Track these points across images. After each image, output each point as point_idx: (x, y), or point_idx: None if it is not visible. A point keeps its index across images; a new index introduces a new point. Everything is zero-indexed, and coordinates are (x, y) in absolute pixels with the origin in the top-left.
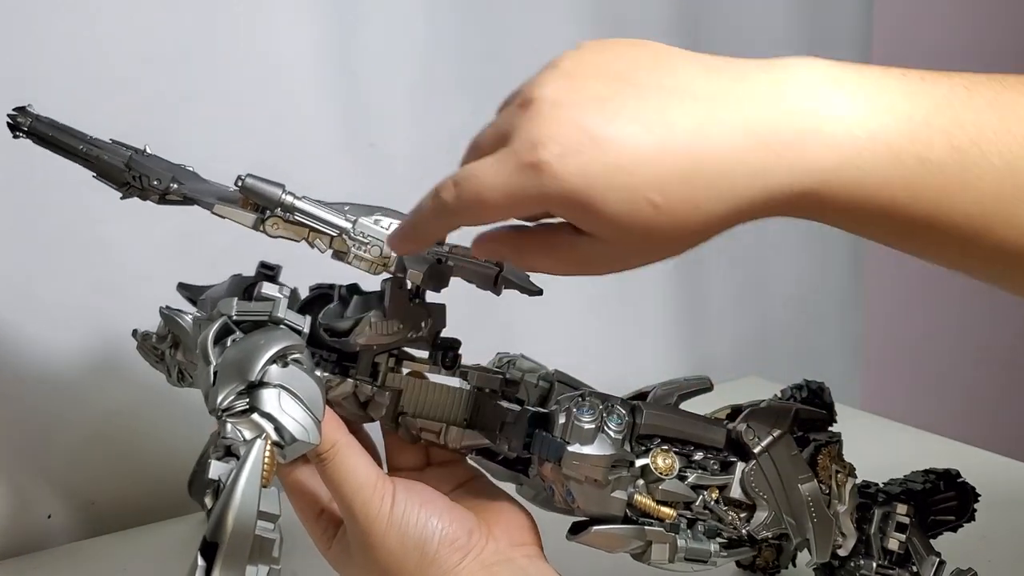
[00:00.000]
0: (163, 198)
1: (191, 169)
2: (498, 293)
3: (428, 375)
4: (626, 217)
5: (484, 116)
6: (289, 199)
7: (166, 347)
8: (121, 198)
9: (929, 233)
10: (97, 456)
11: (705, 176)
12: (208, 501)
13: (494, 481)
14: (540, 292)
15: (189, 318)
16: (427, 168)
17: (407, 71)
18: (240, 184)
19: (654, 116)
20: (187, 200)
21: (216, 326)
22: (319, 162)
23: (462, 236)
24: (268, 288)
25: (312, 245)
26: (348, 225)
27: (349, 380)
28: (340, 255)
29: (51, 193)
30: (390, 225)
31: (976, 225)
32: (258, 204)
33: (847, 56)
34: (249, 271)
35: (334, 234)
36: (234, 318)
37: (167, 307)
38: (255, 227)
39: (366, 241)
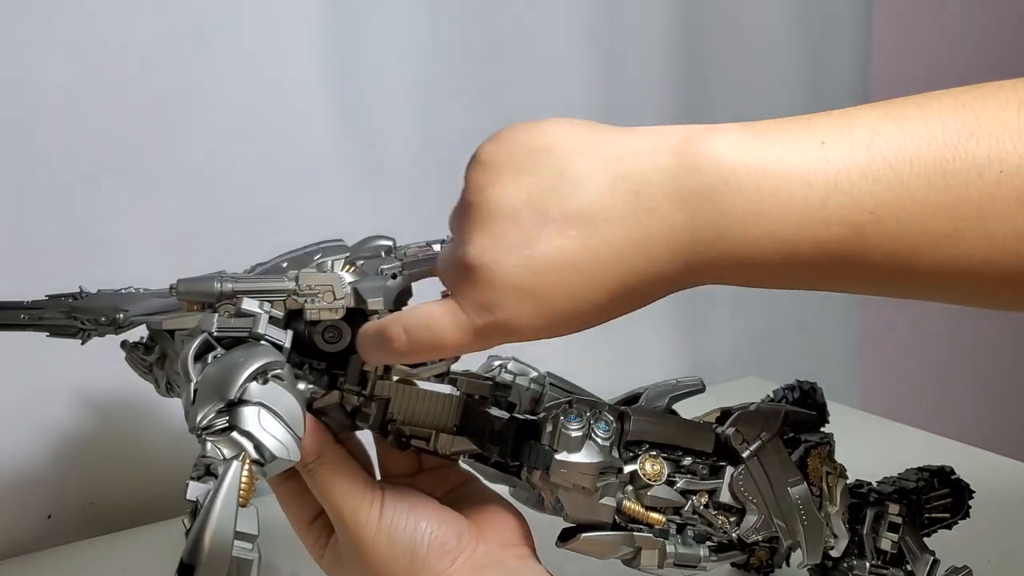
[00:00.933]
0: (118, 328)
1: (132, 289)
2: None
3: (417, 382)
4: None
5: (484, 116)
6: (228, 287)
7: (153, 359)
8: (82, 344)
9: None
10: (97, 456)
11: (631, 295)
12: (186, 522)
13: (487, 484)
14: None
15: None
16: (427, 168)
17: (407, 71)
18: (175, 292)
19: (573, 254)
20: (138, 323)
21: (197, 342)
22: (319, 162)
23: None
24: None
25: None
26: (292, 285)
27: (336, 391)
28: (296, 314)
29: (50, 193)
30: (332, 264)
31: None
32: (202, 303)
33: (847, 56)
34: None
35: (283, 298)
36: (215, 334)
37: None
38: None
39: (315, 292)
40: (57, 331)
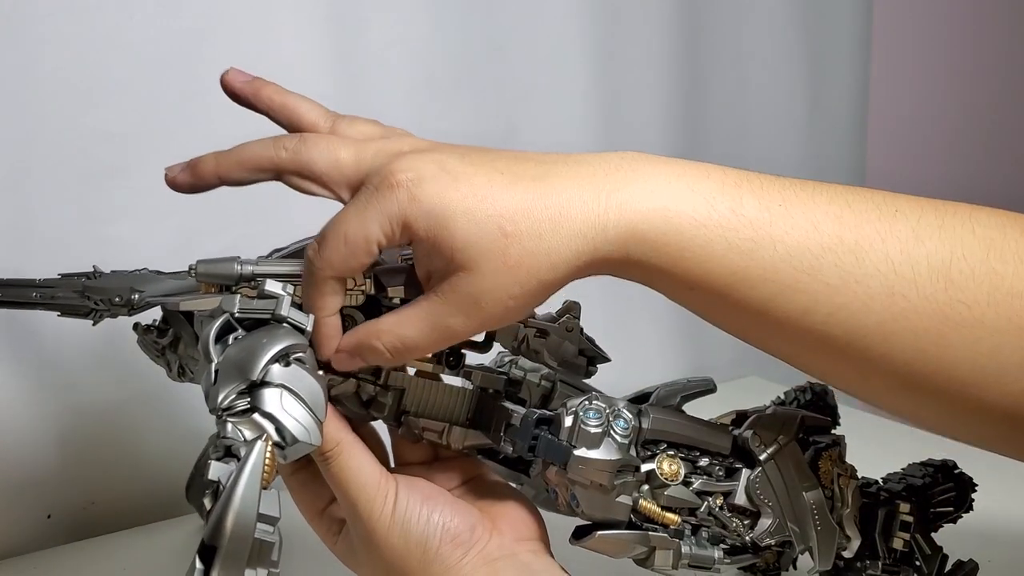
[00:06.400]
0: (132, 310)
1: (146, 271)
2: None
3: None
4: (480, 240)
5: (484, 116)
6: (248, 269)
7: (166, 342)
8: (93, 324)
9: (697, 288)
10: (97, 456)
11: (548, 211)
12: (207, 502)
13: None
14: None
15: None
16: None
17: (407, 71)
18: (194, 273)
19: (502, 165)
20: (153, 304)
21: (218, 323)
22: None
23: None
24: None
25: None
26: None
27: (352, 379)
28: None
29: (52, 192)
30: None
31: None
32: (220, 285)
33: (847, 55)
34: None
35: None
36: (236, 315)
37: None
38: None
39: None
40: (69, 311)
